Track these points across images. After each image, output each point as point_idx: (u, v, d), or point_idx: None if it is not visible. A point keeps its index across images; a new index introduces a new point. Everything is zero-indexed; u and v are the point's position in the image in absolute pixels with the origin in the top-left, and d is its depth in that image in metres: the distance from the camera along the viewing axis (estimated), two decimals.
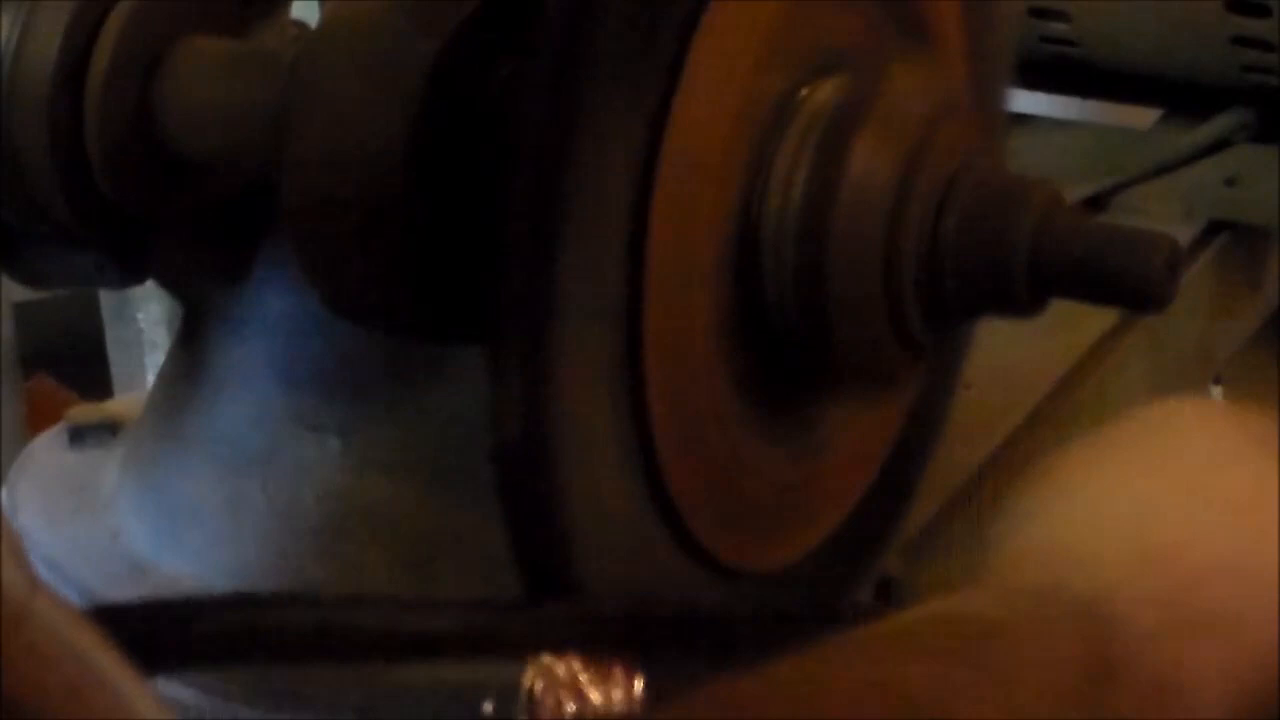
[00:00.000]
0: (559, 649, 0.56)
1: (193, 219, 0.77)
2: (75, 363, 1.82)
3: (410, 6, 0.66)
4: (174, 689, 0.71)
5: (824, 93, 0.68)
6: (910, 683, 0.46)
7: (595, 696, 0.57)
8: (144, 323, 1.61)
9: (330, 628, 0.55)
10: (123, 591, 0.78)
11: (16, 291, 1.58)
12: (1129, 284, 0.66)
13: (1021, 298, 0.67)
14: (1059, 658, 0.48)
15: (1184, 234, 1.11)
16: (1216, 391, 1.85)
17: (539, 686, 0.58)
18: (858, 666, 0.47)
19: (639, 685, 0.58)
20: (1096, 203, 1.15)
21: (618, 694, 0.58)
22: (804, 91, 0.68)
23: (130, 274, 0.80)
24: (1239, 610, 0.49)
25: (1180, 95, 1.22)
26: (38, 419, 1.46)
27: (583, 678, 0.58)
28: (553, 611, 0.57)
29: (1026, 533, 0.53)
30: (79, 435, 0.89)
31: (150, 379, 0.95)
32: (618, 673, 0.58)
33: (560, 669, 0.57)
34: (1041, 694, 0.47)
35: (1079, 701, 0.47)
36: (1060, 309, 0.70)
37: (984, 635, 0.48)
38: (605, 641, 0.57)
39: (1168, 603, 0.49)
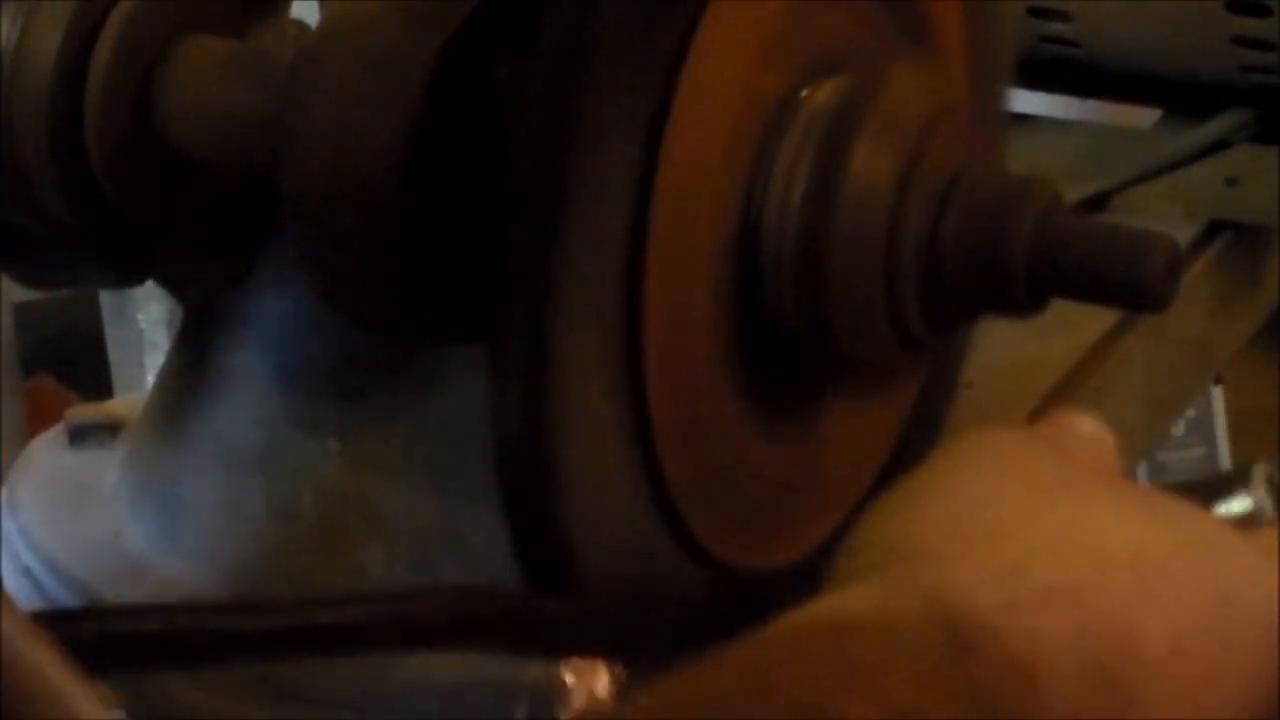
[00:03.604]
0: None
1: (193, 219, 0.77)
2: (75, 363, 1.82)
3: (410, 6, 0.66)
4: (174, 689, 0.71)
5: (824, 93, 0.68)
6: (794, 684, 0.48)
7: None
8: (144, 323, 1.61)
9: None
10: (123, 591, 0.78)
11: (16, 291, 1.58)
12: (1129, 284, 0.66)
13: (1021, 298, 0.67)
14: (917, 645, 0.50)
15: (1184, 234, 1.12)
16: (1217, 392, 1.85)
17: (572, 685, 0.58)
18: (737, 678, 0.49)
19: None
20: (1096, 203, 1.15)
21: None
22: (804, 92, 0.68)
23: (130, 274, 0.80)
24: (1077, 580, 0.51)
25: (1180, 95, 1.22)
26: (38, 419, 1.46)
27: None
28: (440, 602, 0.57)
29: (871, 541, 0.55)
30: (79, 435, 0.89)
31: (150, 379, 0.95)
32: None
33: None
34: (907, 680, 0.48)
35: (943, 684, 0.49)
36: (1060, 309, 0.70)
37: (845, 632, 0.50)
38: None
39: (1003, 579, 0.51)
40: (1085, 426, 0.61)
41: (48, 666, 0.39)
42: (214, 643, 0.54)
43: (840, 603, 0.52)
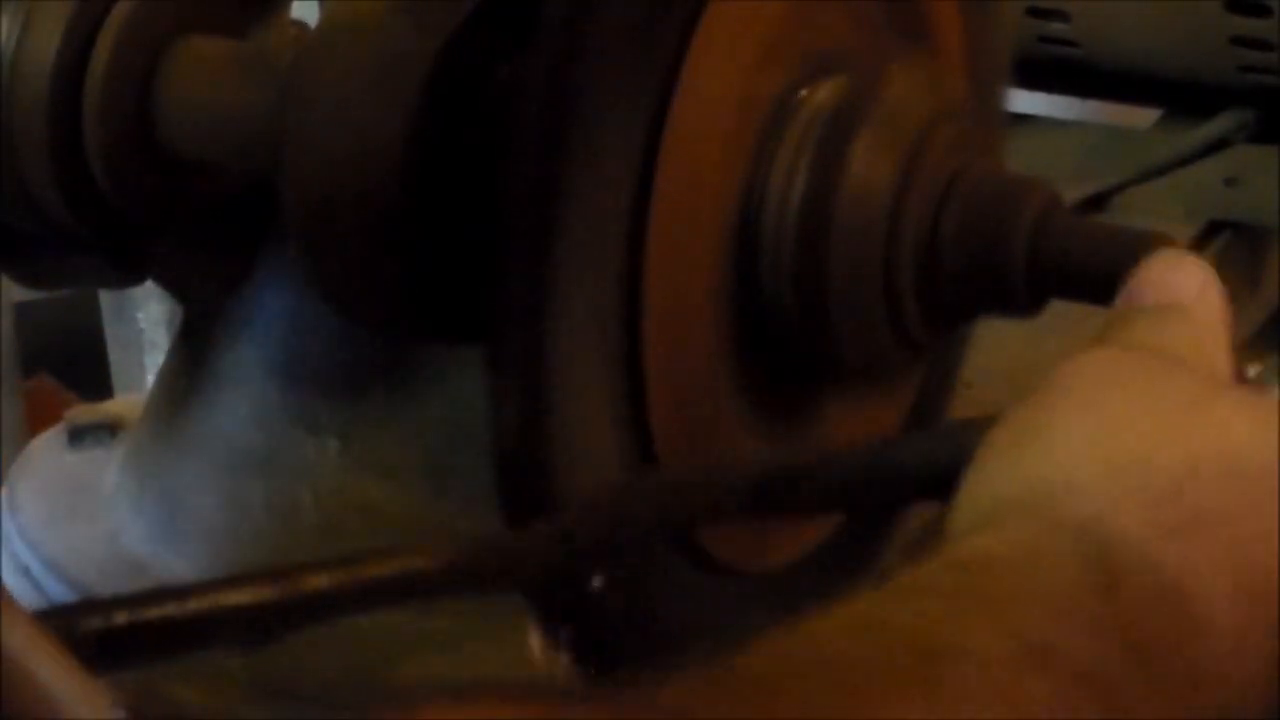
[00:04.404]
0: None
1: (192, 220, 0.77)
2: (75, 363, 1.82)
3: (410, 6, 0.66)
4: (174, 688, 0.71)
5: (824, 93, 0.68)
6: (909, 621, 0.46)
7: None
8: (144, 323, 1.61)
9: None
10: (122, 591, 0.78)
11: (16, 291, 1.58)
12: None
13: (1020, 298, 0.67)
14: (1058, 579, 0.48)
15: (1184, 234, 1.11)
16: None
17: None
18: (853, 614, 0.47)
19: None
20: (1096, 203, 1.15)
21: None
22: (804, 92, 0.68)
23: (130, 274, 0.80)
24: (1225, 505, 0.50)
25: (1180, 95, 1.22)
26: (38, 419, 1.46)
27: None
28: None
29: (1005, 482, 0.53)
30: (79, 435, 0.89)
31: (150, 379, 0.95)
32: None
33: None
34: (1045, 614, 0.47)
35: (1085, 618, 0.47)
36: (1060, 309, 0.70)
37: (980, 569, 0.49)
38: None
39: (1154, 505, 0.50)
40: (1190, 276, 0.58)
41: (48, 666, 0.39)
42: (201, 625, 0.53)
43: (977, 543, 0.50)
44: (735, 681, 0.44)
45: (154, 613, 0.51)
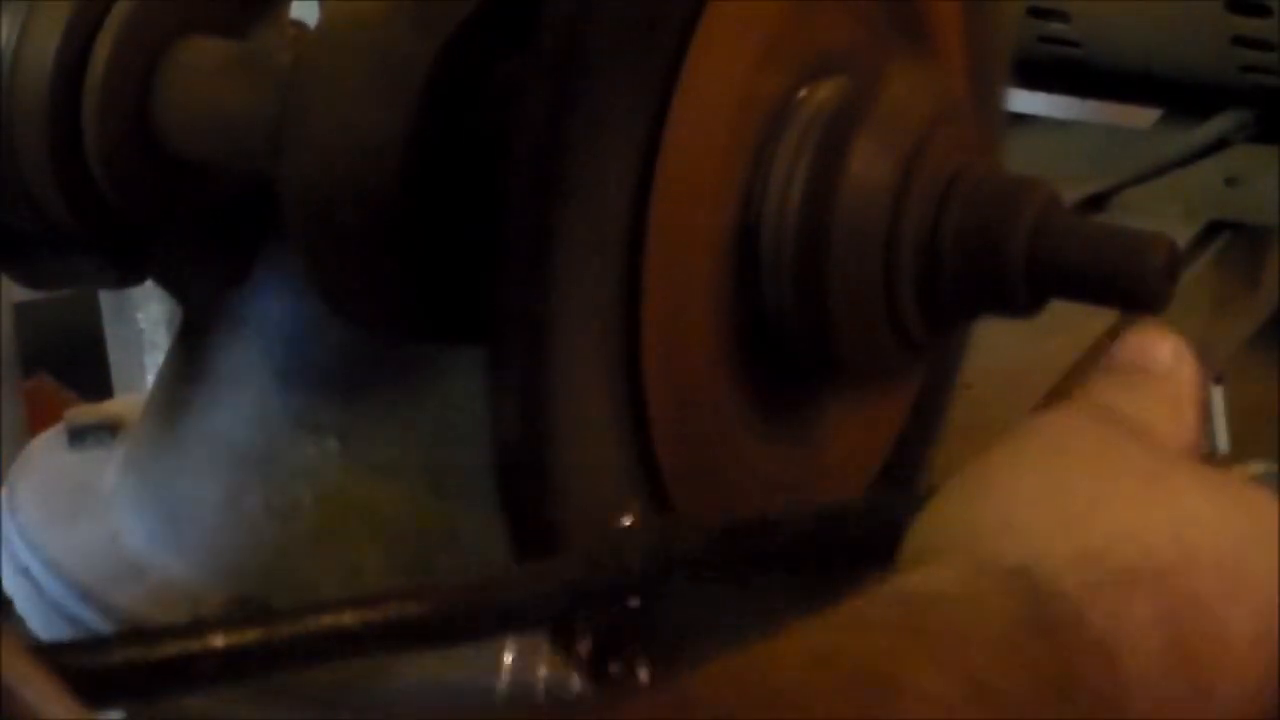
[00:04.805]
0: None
1: (192, 220, 0.77)
2: (75, 363, 1.82)
3: (410, 6, 0.66)
4: None
5: (823, 93, 0.68)
6: (859, 655, 0.47)
7: None
8: (144, 323, 1.61)
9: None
10: (122, 591, 0.78)
11: (16, 291, 1.58)
12: (1127, 285, 0.66)
13: (1020, 298, 0.67)
14: (1000, 619, 0.49)
15: (1184, 234, 1.12)
16: (1217, 391, 1.85)
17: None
18: (805, 644, 0.48)
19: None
20: (1096, 203, 1.15)
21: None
22: (803, 92, 0.68)
23: (130, 274, 0.80)
24: (1160, 563, 0.51)
25: (1180, 95, 1.22)
26: (38, 419, 1.46)
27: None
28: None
29: (952, 518, 0.54)
30: (79, 435, 0.89)
31: (150, 379, 0.95)
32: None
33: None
34: (987, 658, 0.48)
35: (1023, 659, 0.48)
36: (1060, 309, 0.70)
37: (925, 606, 0.50)
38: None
39: (1090, 560, 0.50)
40: (1163, 349, 0.59)
41: (42, 694, 0.39)
42: (221, 661, 0.53)
43: (920, 577, 0.51)
44: (687, 708, 0.45)
45: (138, 654, 0.51)
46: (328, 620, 0.53)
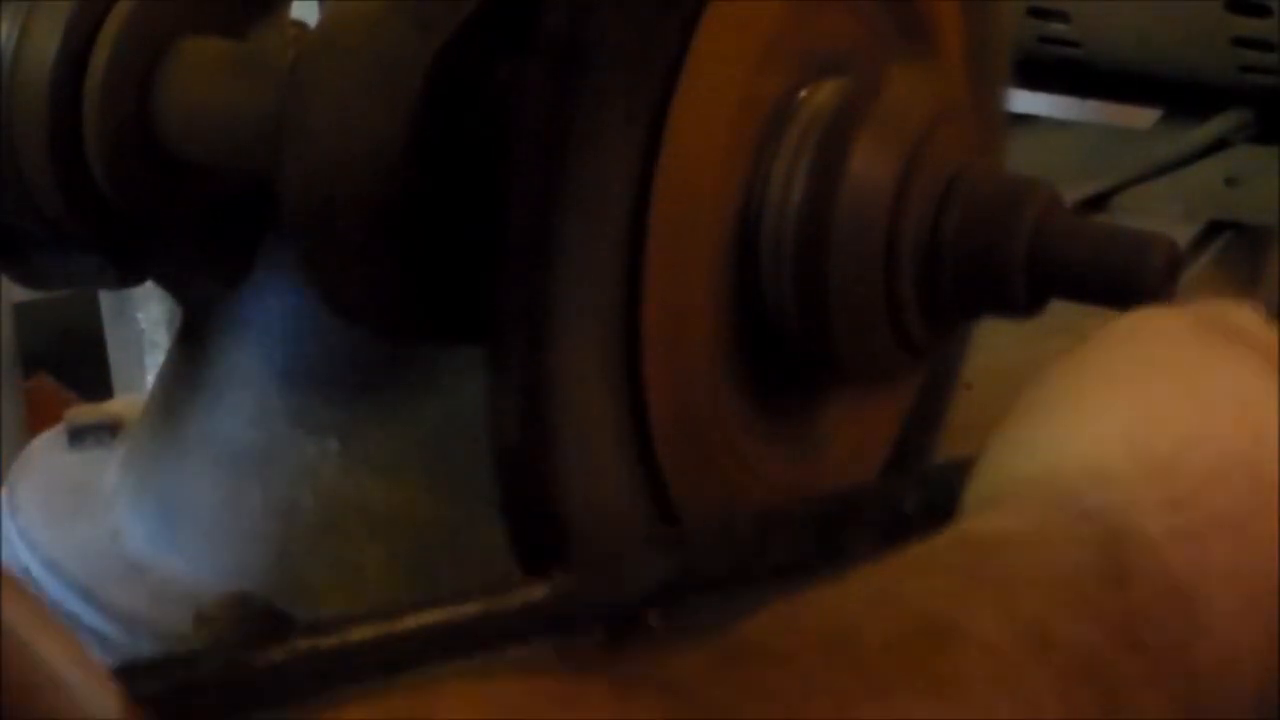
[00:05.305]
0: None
1: (192, 220, 0.77)
2: (75, 363, 1.82)
3: (410, 6, 0.66)
4: None
5: (824, 94, 0.68)
6: (915, 598, 0.46)
7: None
8: (144, 323, 1.61)
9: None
10: (122, 591, 0.78)
11: (16, 291, 1.58)
12: (1128, 285, 0.66)
13: (1020, 298, 0.67)
14: (1069, 565, 0.48)
15: (1184, 234, 1.11)
16: None
17: None
18: (862, 588, 0.47)
19: None
20: (1096, 203, 1.15)
21: None
22: (804, 92, 0.68)
23: (130, 274, 0.80)
24: (1244, 510, 0.50)
25: (1180, 95, 1.22)
26: (38, 419, 1.46)
27: None
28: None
29: (1028, 456, 0.53)
30: (79, 435, 0.89)
31: (150, 379, 0.95)
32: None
33: None
34: (1052, 601, 0.47)
35: (1091, 607, 0.47)
36: (1060, 309, 0.70)
37: (994, 548, 0.49)
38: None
39: (1175, 507, 0.50)
40: (1243, 315, 0.57)
41: (53, 656, 0.39)
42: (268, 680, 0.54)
43: (993, 520, 0.50)
44: (745, 652, 0.44)
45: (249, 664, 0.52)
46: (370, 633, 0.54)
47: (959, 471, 0.55)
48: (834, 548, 0.60)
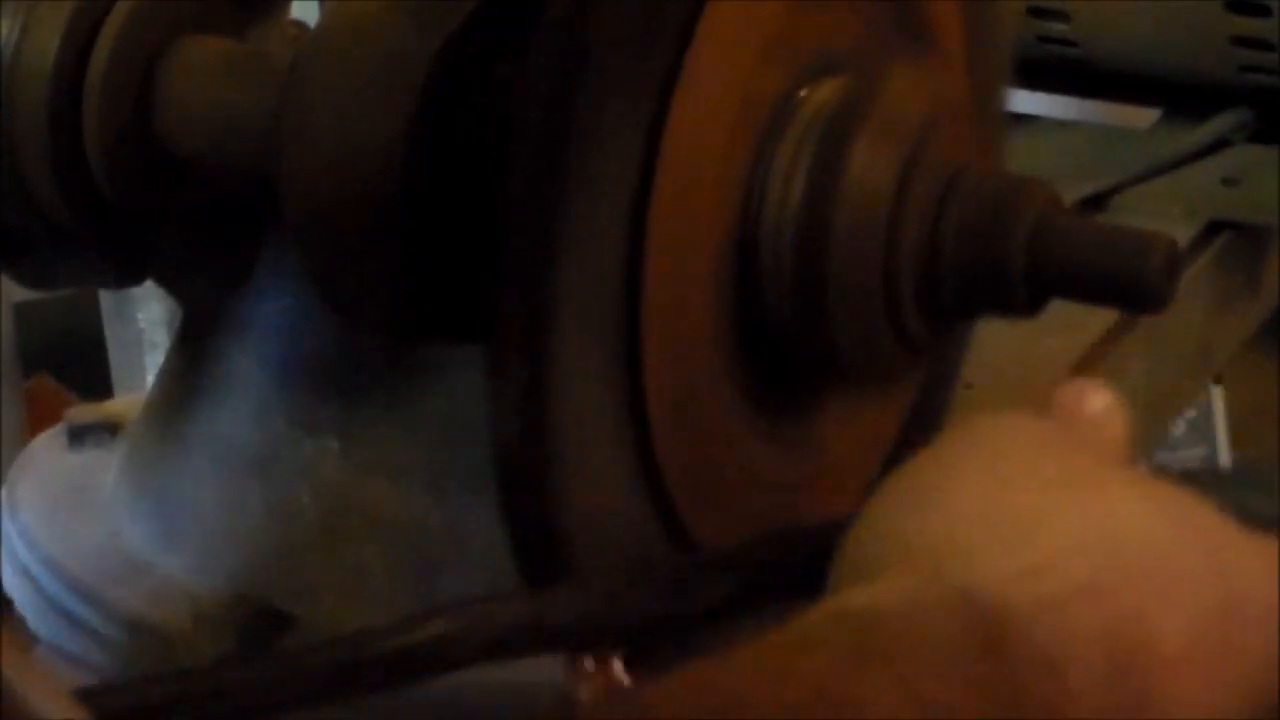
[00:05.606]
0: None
1: (192, 219, 0.77)
2: (75, 363, 1.82)
3: (410, 6, 0.66)
4: None
5: (823, 93, 0.68)
6: (811, 674, 0.48)
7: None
8: (144, 323, 1.61)
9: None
10: (122, 591, 0.78)
11: (16, 291, 1.58)
12: (1128, 285, 0.66)
13: (1020, 298, 0.67)
14: (946, 636, 0.50)
15: (1184, 234, 1.12)
16: (1217, 391, 1.85)
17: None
18: (760, 662, 0.49)
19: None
20: (1096, 203, 1.15)
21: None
22: (803, 92, 0.68)
23: (130, 274, 0.80)
24: (1104, 579, 0.51)
25: (1180, 95, 1.22)
26: (38, 419, 1.46)
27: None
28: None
29: (888, 536, 0.55)
30: (79, 435, 0.89)
31: (150, 379, 0.95)
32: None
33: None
34: (933, 670, 0.49)
35: (969, 676, 0.49)
36: (1060, 309, 0.70)
37: (873, 622, 0.50)
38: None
39: (1036, 575, 0.51)
40: (1096, 401, 0.60)
41: (34, 689, 0.39)
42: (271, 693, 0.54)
43: (866, 595, 0.52)
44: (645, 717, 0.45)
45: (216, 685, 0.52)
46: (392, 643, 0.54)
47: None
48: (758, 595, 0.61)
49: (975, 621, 0.50)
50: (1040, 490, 0.54)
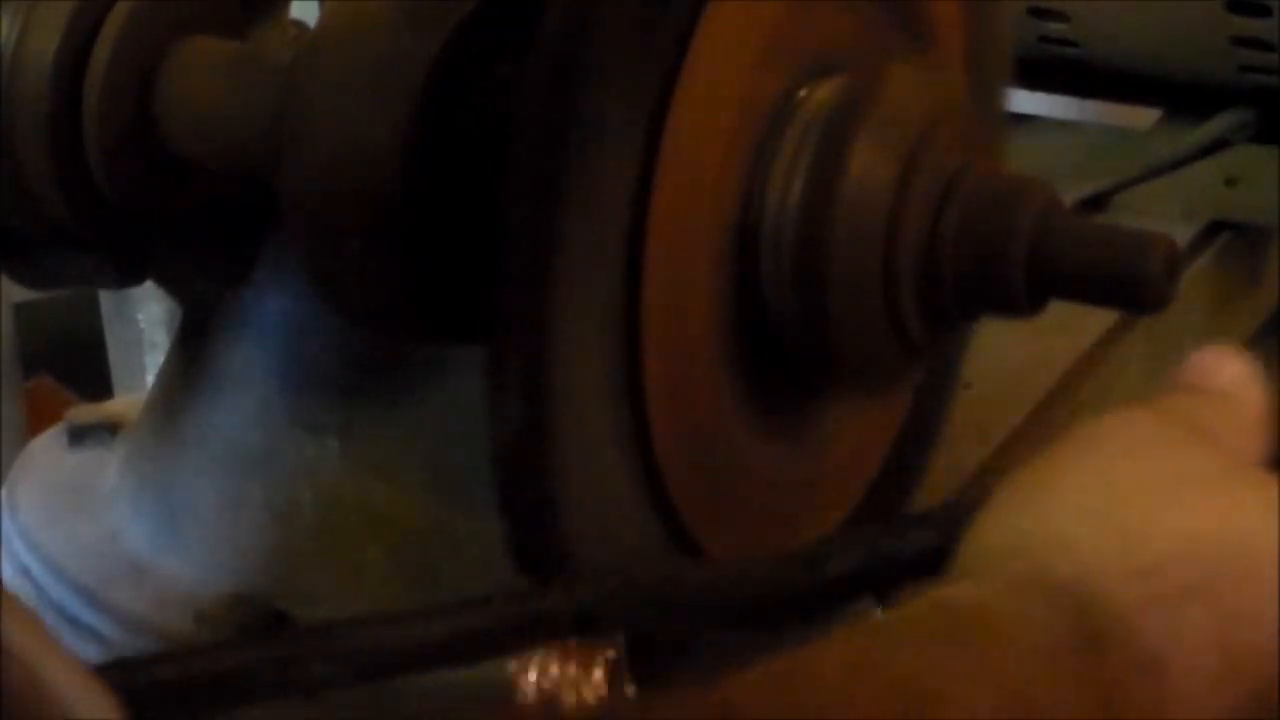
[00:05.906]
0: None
1: (193, 219, 0.77)
2: (75, 363, 1.82)
3: (410, 6, 0.66)
4: None
5: (823, 93, 0.68)
6: (898, 666, 0.48)
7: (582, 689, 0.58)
8: (144, 323, 1.61)
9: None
10: (122, 591, 0.78)
11: (16, 291, 1.58)
12: (1127, 285, 0.66)
13: (1020, 298, 0.67)
14: (1045, 635, 0.49)
15: (1184, 234, 1.12)
16: None
17: (529, 682, 0.58)
18: (845, 654, 0.48)
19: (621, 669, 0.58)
20: (1096, 203, 1.16)
21: (600, 680, 0.58)
22: (803, 92, 0.68)
23: (130, 274, 0.80)
24: (1215, 581, 0.51)
25: (1180, 95, 1.22)
26: (38, 419, 1.46)
27: (566, 669, 0.58)
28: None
29: (1002, 534, 0.54)
30: (79, 435, 0.89)
31: (150, 379, 0.95)
32: (603, 658, 0.58)
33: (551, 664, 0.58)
34: (1030, 670, 0.48)
35: (1069, 674, 0.48)
36: (1060, 309, 0.70)
37: (971, 619, 0.50)
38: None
39: (1146, 576, 0.51)
40: (1230, 370, 0.59)
41: (49, 664, 0.39)
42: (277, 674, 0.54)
43: (971, 587, 0.51)
44: (726, 715, 0.45)
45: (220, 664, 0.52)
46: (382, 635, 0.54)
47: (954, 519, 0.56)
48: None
49: (1078, 618, 0.49)
50: (1158, 491, 0.53)
